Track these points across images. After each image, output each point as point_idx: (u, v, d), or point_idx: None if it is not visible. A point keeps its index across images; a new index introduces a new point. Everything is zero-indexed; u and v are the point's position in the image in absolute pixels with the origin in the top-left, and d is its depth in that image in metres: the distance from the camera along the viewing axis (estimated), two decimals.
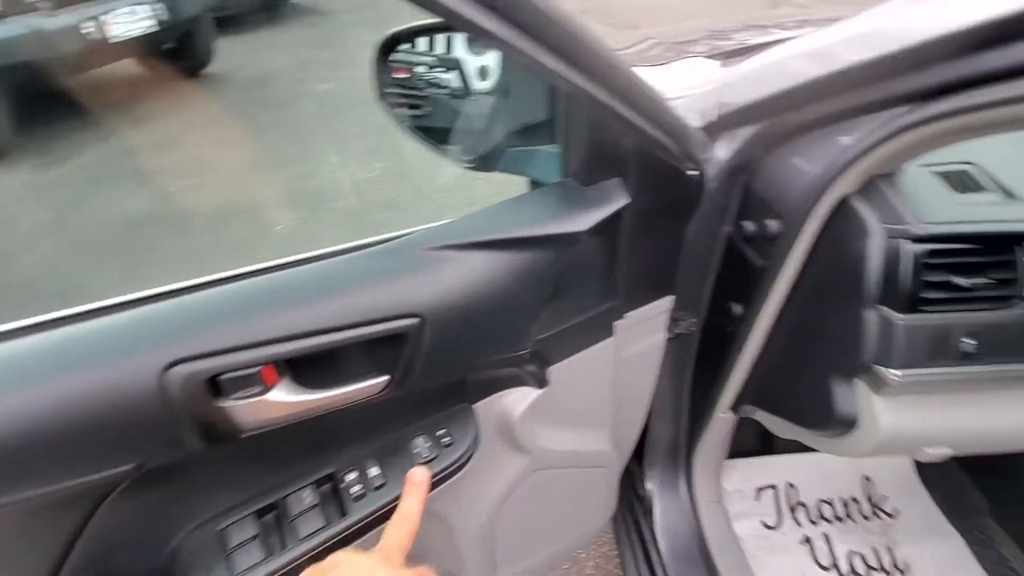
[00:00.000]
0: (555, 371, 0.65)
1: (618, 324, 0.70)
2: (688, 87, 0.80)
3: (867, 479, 1.19)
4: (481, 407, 0.63)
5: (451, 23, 0.34)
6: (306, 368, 0.49)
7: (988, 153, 0.61)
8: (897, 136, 0.52)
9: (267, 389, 0.46)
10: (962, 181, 0.58)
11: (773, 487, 1.18)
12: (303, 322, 0.47)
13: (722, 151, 0.74)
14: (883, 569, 1.05)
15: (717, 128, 0.73)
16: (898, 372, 0.57)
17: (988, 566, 1.05)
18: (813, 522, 1.13)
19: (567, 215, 0.56)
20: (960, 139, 0.51)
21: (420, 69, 0.88)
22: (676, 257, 0.73)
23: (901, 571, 1.05)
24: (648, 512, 1.05)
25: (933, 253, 0.55)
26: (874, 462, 1.21)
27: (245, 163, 3.30)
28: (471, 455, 0.58)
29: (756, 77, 0.70)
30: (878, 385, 0.62)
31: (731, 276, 0.78)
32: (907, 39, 0.47)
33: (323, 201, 2.91)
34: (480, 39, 0.37)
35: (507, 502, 0.72)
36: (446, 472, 0.56)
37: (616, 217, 0.57)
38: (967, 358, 0.57)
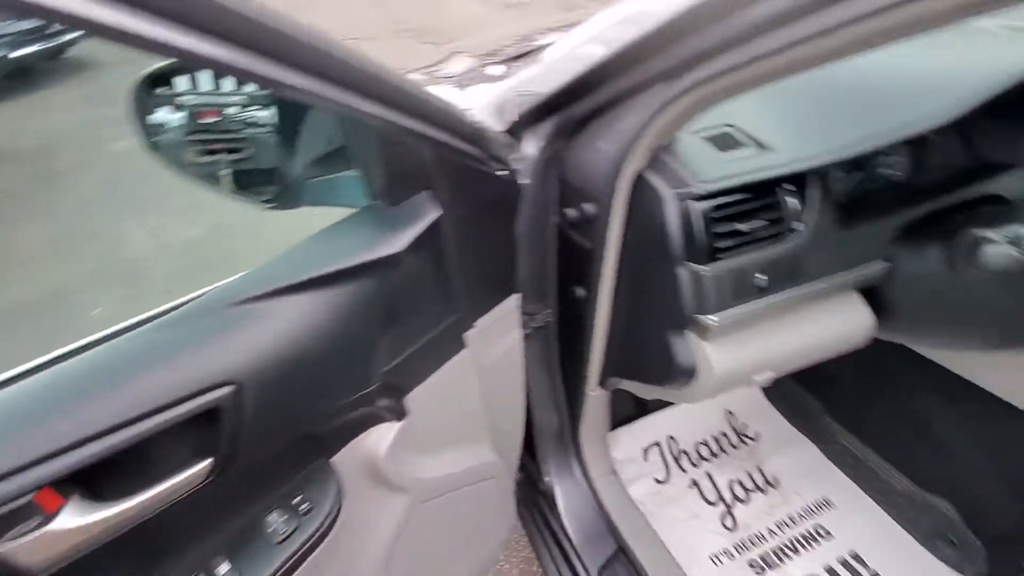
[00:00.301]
0: (413, 398, 0.63)
1: (469, 334, 0.69)
2: (486, 93, 0.82)
3: (730, 413, 1.33)
4: (341, 458, 0.58)
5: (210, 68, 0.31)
6: (104, 475, 0.41)
7: (742, 114, 0.70)
8: (664, 109, 0.58)
9: (49, 518, 0.38)
10: (725, 141, 0.67)
11: (657, 444, 1.27)
12: (86, 423, 0.39)
13: (531, 147, 0.77)
14: (758, 488, 1.18)
15: (521, 126, 0.76)
16: (715, 317, 0.64)
17: (834, 457, 1.22)
18: (695, 465, 1.23)
19: (380, 238, 0.54)
20: (713, 104, 0.58)
21: (232, 110, 0.81)
22: (512, 256, 0.74)
23: (772, 484, 1.19)
24: (552, 504, 1.06)
25: (716, 208, 0.62)
26: (730, 396, 1.35)
27: (40, 245, 2.80)
28: (335, 516, 0.54)
29: (548, 71, 0.74)
30: (703, 332, 0.68)
31: (568, 263, 0.82)
32: (660, 18, 0.52)
33: (145, 270, 2.57)
34: (242, 79, 0.34)
35: (399, 546, 0.68)
36: (310, 543, 0.51)
37: (433, 230, 0.56)
38: (763, 291, 0.65)
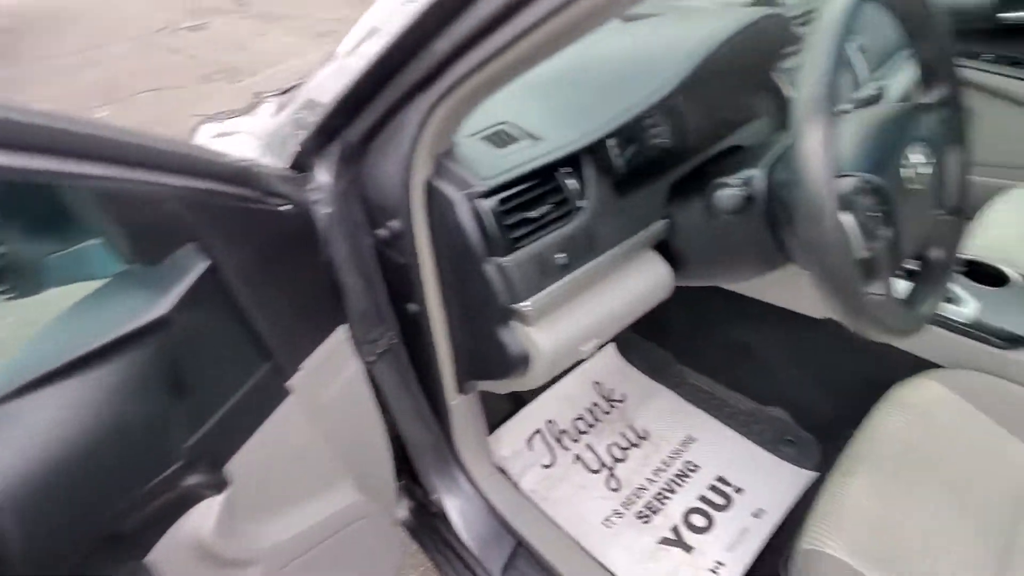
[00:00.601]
0: (235, 464, 0.58)
1: (294, 380, 0.66)
2: (264, 128, 0.79)
3: (596, 383, 1.41)
4: (160, 554, 0.52)
5: None
6: None
7: (515, 111, 0.75)
8: (430, 117, 0.60)
9: None
10: (501, 138, 0.71)
11: (538, 431, 1.31)
12: None
13: (324, 175, 0.75)
14: (632, 444, 1.27)
15: (307, 156, 0.74)
16: (528, 302, 0.67)
17: (689, 397, 1.36)
18: (576, 440, 1.29)
19: (143, 303, 0.49)
20: (474, 104, 0.60)
21: None
22: (326, 289, 0.72)
23: (643, 437, 1.28)
24: (446, 520, 1.05)
25: (503, 201, 0.66)
26: (594, 368, 1.44)
27: None
28: None
29: (315, 97, 0.72)
30: (525, 319, 0.72)
31: (394, 281, 0.81)
32: (393, 32, 0.53)
33: None
34: None
35: None
36: None
37: (205, 283, 0.53)
38: (566, 268, 0.70)
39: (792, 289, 1.12)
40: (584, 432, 1.31)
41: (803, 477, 1.15)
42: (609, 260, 0.75)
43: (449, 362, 0.87)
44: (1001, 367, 0.93)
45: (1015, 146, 1.56)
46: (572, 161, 0.72)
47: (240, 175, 0.54)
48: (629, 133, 0.91)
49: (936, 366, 1.00)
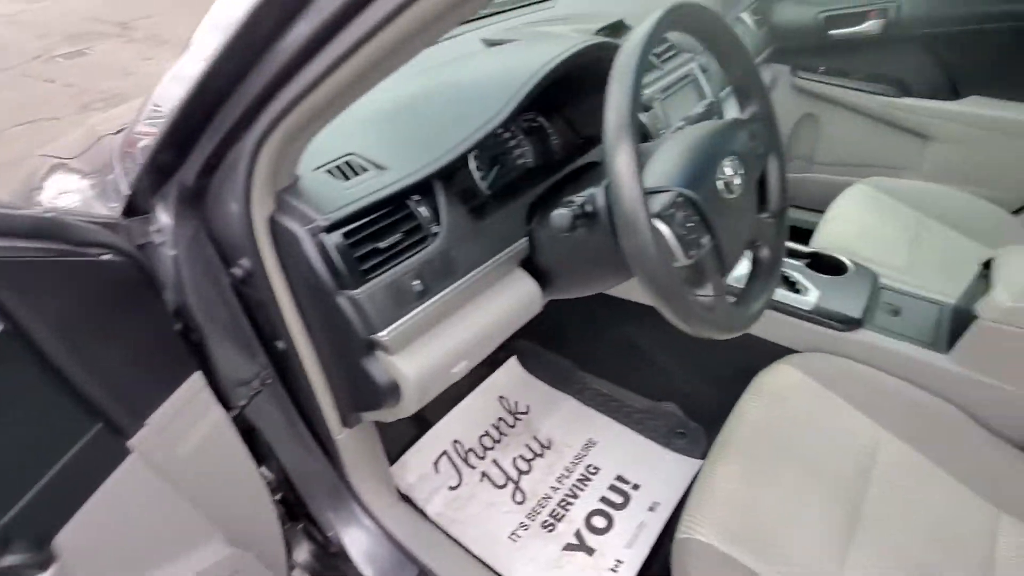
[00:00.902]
0: (67, 535, 0.54)
1: (137, 438, 0.62)
2: (92, 172, 0.74)
3: (502, 398, 1.43)
4: None
5: None
6: None
7: (362, 141, 0.75)
8: (260, 151, 0.59)
9: None
10: (347, 170, 0.71)
11: (444, 453, 1.30)
12: None
13: (164, 216, 0.72)
14: (537, 455, 1.30)
15: (143, 196, 0.71)
16: (384, 332, 0.68)
17: (589, 401, 1.41)
18: (482, 457, 1.30)
19: None
20: (307, 136, 0.60)
21: None
22: (169, 337, 0.69)
23: (547, 446, 1.31)
24: (346, 557, 1.02)
25: (348, 234, 0.66)
26: (497, 380, 1.46)
27: None
28: None
29: (147, 129, 0.69)
30: (387, 349, 0.72)
31: (259, 318, 0.79)
32: (204, 64, 0.52)
33: None
34: None
35: None
36: None
37: (2, 346, 0.49)
38: (424, 294, 0.71)
39: None
40: (490, 448, 1.32)
41: (692, 466, 1.22)
42: (471, 282, 0.77)
43: (328, 396, 0.86)
44: (843, 347, 1.04)
45: (853, 147, 1.76)
46: (424, 188, 0.73)
47: (42, 229, 0.51)
48: (492, 155, 0.94)
49: (792, 351, 1.10)
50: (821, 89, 1.72)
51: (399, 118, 0.80)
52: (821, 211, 1.45)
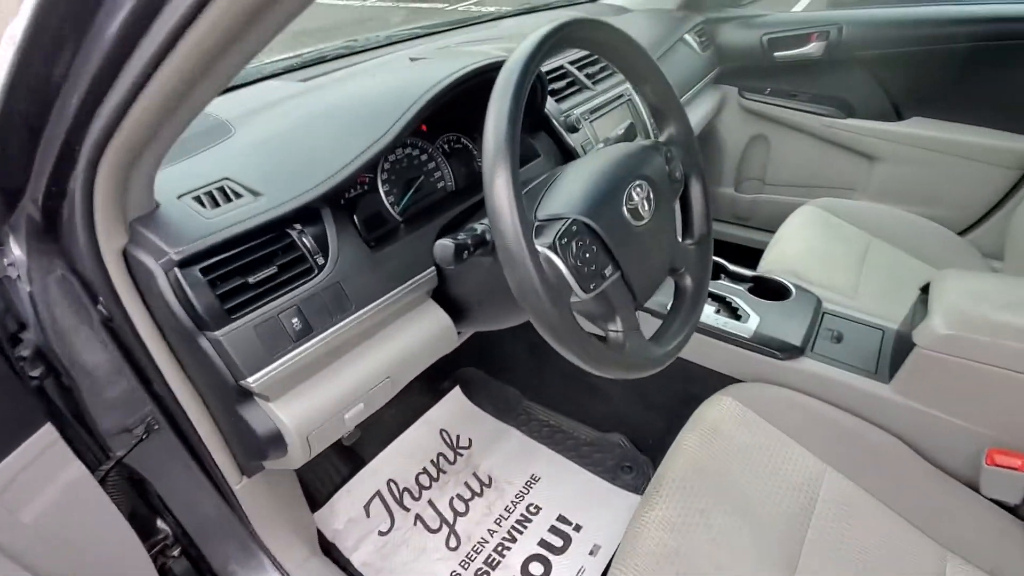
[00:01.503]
0: None
1: None
2: None
3: (443, 431, 1.36)
4: None
5: None
6: None
7: (242, 165, 0.69)
8: (96, 175, 0.52)
9: None
10: (218, 197, 0.64)
11: (377, 494, 1.22)
12: None
13: (16, 248, 0.64)
14: (476, 494, 1.22)
15: None
16: (253, 379, 0.60)
17: (535, 433, 1.34)
18: (417, 498, 1.22)
19: None
20: (147, 157, 0.53)
21: None
22: (10, 388, 0.61)
23: (487, 484, 1.23)
24: None
25: (210, 268, 0.59)
26: (439, 412, 1.39)
27: None
28: None
29: None
30: (265, 395, 0.65)
31: (135, 361, 0.71)
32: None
33: None
34: None
35: None
36: None
37: None
38: (305, 333, 0.64)
39: None
40: (427, 487, 1.24)
41: (635, 503, 1.15)
42: (368, 317, 0.70)
43: (220, 444, 0.77)
44: (784, 376, 0.99)
45: (802, 167, 1.76)
46: (309, 215, 0.67)
47: None
48: (407, 179, 0.88)
49: (736, 380, 1.05)
50: (769, 110, 1.72)
51: (286, 140, 0.73)
52: (774, 231, 1.43)
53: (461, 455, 1.30)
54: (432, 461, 1.29)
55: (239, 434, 0.69)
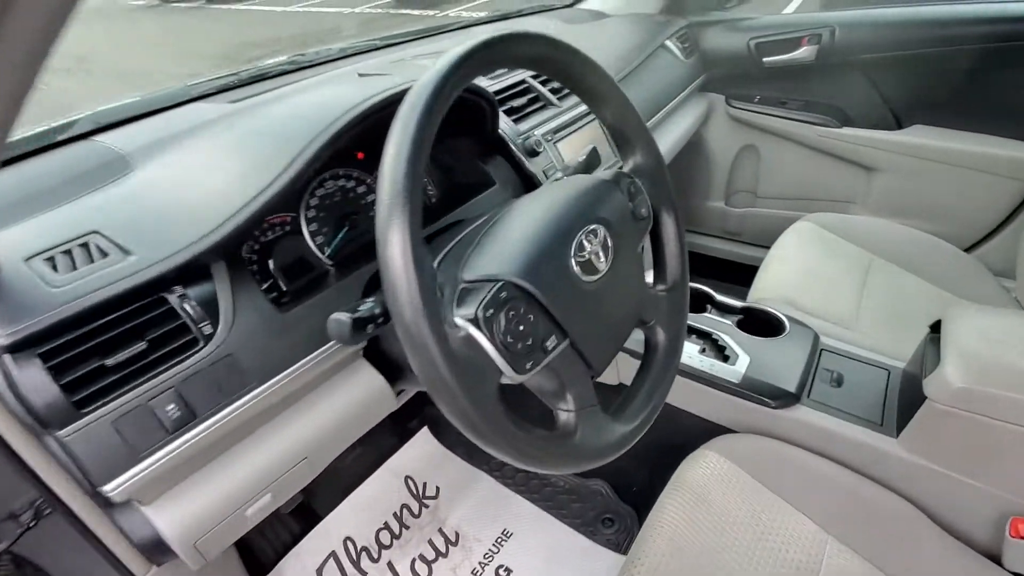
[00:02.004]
0: None
1: None
2: None
3: (408, 478, 1.24)
4: None
5: None
6: None
7: (115, 214, 0.57)
8: None
9: None
10: (77, 258, 0.52)
11: (332, 555, 1.10)
12: None
13: None
14: (441, 553, 1.10)
15: None
16: (110, 487, 0.49)
17: (508, 480, 1.22)
18: (376, 559, 1.10)
19: None
20: None
21: None
22: None
23: (453, 542, 1.12)
24: None
25: (52, 353, 0.47)
26: (405, 457, 1.27)
27: None
28: None
29: None
30: (132, 503, 0.53)
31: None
32: None
33: None
34: None
35: None
36: None
37: None
38: (185, 422, 0.52)
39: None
40: (388, 546, 1.12)
41: (618, 564, 1.04)
42: (274, 392, 0.58)
43: (114, 535, 0.66)
44: (778, 427, 0.88)
45: (796, 179, 1.64)
46: (195, 273, 0.55)
47: None
48: (340, 215, 0.77)
49: (725, 429, 0.94)
50: (758, 119, 1.61)
51: (182, 179, 0.62)
52: (767, 247, 1.32)
53: (427, 506, 1.19)
54: (395, 514, 1.17)
55: (120, 537, 0.57)
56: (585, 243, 0.53)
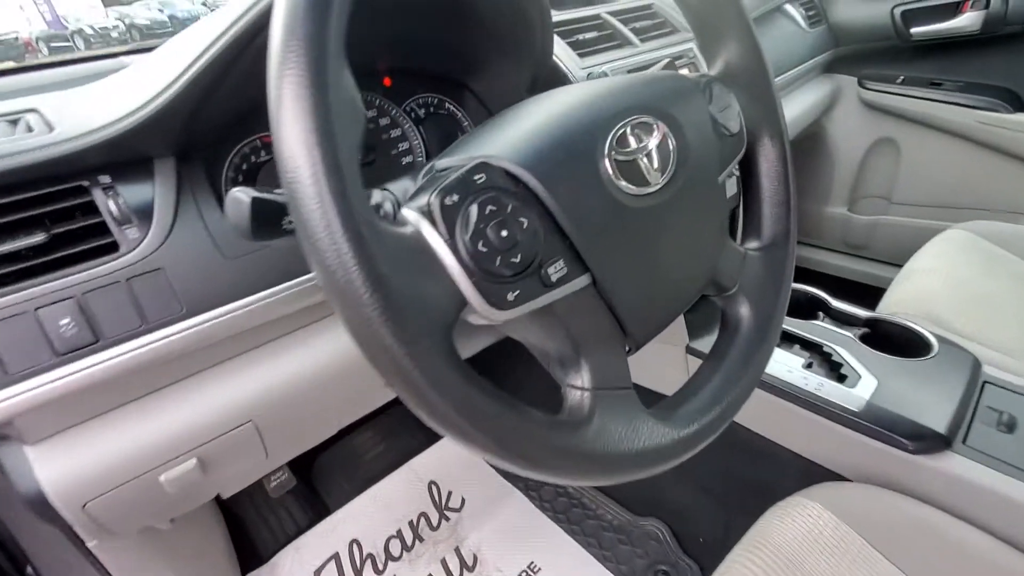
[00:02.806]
0: None
1: None
2: None
3: (433, 483, 1.08)
4: None
5: None
6: None
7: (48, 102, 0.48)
8: None
9: None
10: (3, 130, 0.43)
11: (333, 557, 0.97)
12: None
13: None
14: None
15: None
16: None
17: (545, 503, 1.02)
18: (381, 571, 0.95)
19: None
20: None
21: None
22: None
23: (470, 567, 0.94)
24: None
25: None
26: (430, 459, 1.12)
27: None
28: None
29: None
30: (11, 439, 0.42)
31: None
32: None
33: None
34: None
35: None
36: None
37: None
38: (82, 344, 0.40)
39: (656, 367, 0.83)
40: (396, 558, 0.96)
41: None
42: (218, 326, 0.45)
43: None
44: (912, 479, 0.62)
45: (946, 180, 1.31)
46: (138, 167, 0.44)
47: None
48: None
49: (833, 474, 0.69)
50: (901, 105, 1.30)
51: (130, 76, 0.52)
52: (900, 265, 1.03)
53: (447, 519, 1.02)
54: (411, 523, 1.02)
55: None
56: (631, 138, 0.35)
